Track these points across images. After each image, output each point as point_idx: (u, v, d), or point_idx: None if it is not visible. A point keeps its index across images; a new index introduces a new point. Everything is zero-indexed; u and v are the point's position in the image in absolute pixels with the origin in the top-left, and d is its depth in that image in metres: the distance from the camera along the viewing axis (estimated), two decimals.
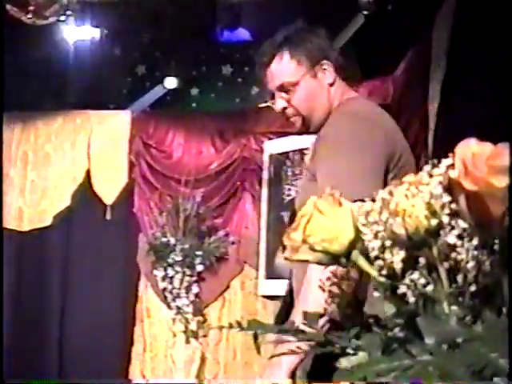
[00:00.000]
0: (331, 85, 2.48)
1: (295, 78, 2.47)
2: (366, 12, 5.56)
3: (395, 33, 5.16)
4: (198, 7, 5.87)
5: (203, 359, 5.74)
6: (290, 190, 5.59)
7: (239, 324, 1.32)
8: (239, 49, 6.32)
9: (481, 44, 4.01)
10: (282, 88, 2.49)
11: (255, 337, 1.25)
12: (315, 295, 1.83)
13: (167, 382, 5.72)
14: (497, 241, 0.94)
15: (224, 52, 6.38)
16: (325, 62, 2.49)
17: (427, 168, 1.05)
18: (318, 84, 2.47)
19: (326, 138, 2.33)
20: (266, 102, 6.19)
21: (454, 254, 1.02)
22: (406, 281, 1.02)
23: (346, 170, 2.15)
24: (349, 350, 1.13)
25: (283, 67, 2.49)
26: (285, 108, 2.52)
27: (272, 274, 5.49)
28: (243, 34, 6.17)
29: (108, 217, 5.91)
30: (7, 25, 4.99)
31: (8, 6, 4.77)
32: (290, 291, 2.42)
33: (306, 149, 5.45)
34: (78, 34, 5.84)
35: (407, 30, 5.11)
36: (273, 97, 2.56)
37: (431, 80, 4.86)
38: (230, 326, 1.33)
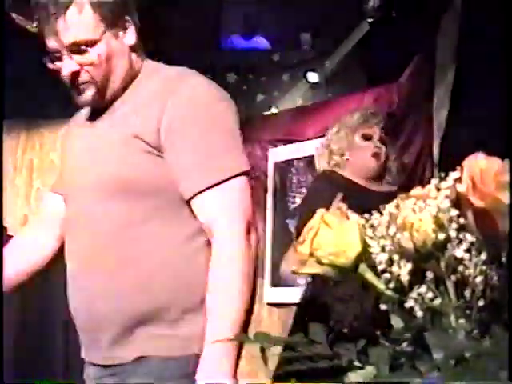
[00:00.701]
0: (133, 48, 2.14)
1: (94, 35, 2.01)
2: (370, 19, 5.57)
3: (400, 40, 5.16)
4: (202, 15, 5.88)
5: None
6: (295, 197, 5.58)
7: (246, 336, 1.32)
8: (244, 56, 6.33)
9: (488, 50, 4.01)
10: (75, 47, 2.02)
11: (262, 350, 1.25)
12: None
13: None
14: (504, 255, 0.94)
15: (228, 59, 6.39)
16: (128, 18, 2.11)
17: (434, 181, 1.05)
18: (118, 45, 2.08)
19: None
20: (270, 109, 6.22)
21: (461, 268, 1.02)
22: (414, 295, 1.02)
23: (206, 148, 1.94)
24: (356, 363, 1.13)
25: (81, 21, 2.00)
26: (75, 73, 2.08)
27: (277, 282, 5.48)
28: (247, 41, 6.19)
29: None
30: (12, 32, 4.99)
31: (14, 15, 4.78)
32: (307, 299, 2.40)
33: (311, 156, 5.45)
34: None
35: (412, 37, 5.11)
36: (56, 58, 2.12)
37: (436, 87, 4.86)
38: (237, 338, 1.34)
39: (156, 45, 6.14)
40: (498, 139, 3.31)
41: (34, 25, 5.30)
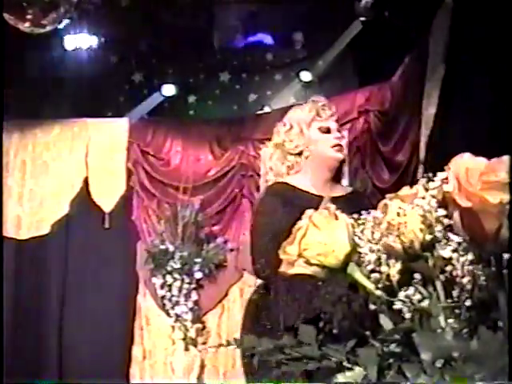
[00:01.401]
0: None
1: None
2: (363, 18, 5.57)
3: (392, 39, 5.17)
4: (196, 15, 5.87)
5: (202, 367, 5.73)
6: None
7: (236, 341, 1.32)
8: (237, 56, 6.33)
9: (479, 50, 4.01)
10: None
11: (252, 355, 1.25)
12: None
13: (166, 383, 5.71)
14: (492, 256, 0.94)
15: (221, 59, 6.38)
16: None
17: (422, 181, 1.05)
18: None
19: None
20: (263, 108, 6.21)
21: (449, 268, 1.02)
22: (402, 297, 1.02)
23: None
24: (345, 364, 1.12)
25: None
26: None
27: None
28: (241, 41, 6.18)
29: (106, 225, 5.90)
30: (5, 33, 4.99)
31: (6, 15, 4.77)
32: None
33: None
34: (75, 42, 5.84)
35: (404, 37, 5.12)
36: None
37: (426, 86, 4.87)
38: (228, 344, 1.33)
39: (150, 44, 6.15)
40: (488, 138, 3.31)
41: (27, 25, 5.28)
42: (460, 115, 4.05)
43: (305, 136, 2.79)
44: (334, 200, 2.57)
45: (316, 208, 2.48)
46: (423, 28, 4.88)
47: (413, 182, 1.12)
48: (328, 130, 2.80)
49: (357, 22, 5.65)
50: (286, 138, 2.84)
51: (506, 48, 3.50)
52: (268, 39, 6.23)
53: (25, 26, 5.09)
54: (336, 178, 2.85)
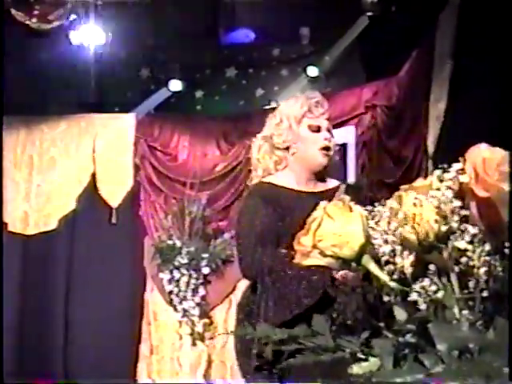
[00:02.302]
0: None
1: None
2: (370, 13, 5.56)
3: (399, 34, 5.15)
4: (202, 10, 5.87)
5: (210, 361, 5.74)
6: None
7: (249, 328, 1.32)
8: (243, 51, 6.32)
9: (486, 45, 4.00)
10: None
11: (266, 343, 1.25)
12: None
13: (173, 383, 5.72)
14: (508, 246, 0.94)
15: (228, 54, 6.38)
16: None
17: (437, 172, 1.05)
18: None
19: None
20: (270, 103, 6.21)
21: (464, 259, 1.02)
22: (417, 288, 1.02)
23: None
24: (359, 355, 1.13)
25: None
26: None
27: None
28: (247, 36, 6.17)
29: (113, 220, 5.91)
30: (12, 29, 4.99)
31: (13, 11, 4.78)
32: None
33: None
34: (82, 37, 5.83)
35: (411, 32, 5.10)
36: None
37: (434, 81, 4.86)
38: (242, 331, 1.33)
39: (157, 42, 6.15)
40: (495, 131, 3.30)
41: (34, 20, 5.29)
42: (469, 109, 4.04)
43: (293, 132, 2.71)
44: (321, 194, 2.55)
45: (300, 205, 2.46)
46: (430, 23, 4.87)
47: (418, 176, 1.12)
48: (318, 129, 2.72)
49: (363, 17, 5.64)
50: (275, 131, 2.75)
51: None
52: (275, 34, 6.21)
53: (32, 22, 5.11)
54: (322, 173, 2.77)
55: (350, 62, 5.97)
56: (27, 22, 5.13)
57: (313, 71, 6.12)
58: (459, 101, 4.35)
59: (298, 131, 2.68)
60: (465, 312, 1.03)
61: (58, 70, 6.05)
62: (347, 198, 1.12)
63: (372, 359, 1.03)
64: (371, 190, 5.09)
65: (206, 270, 5.69)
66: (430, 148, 4.94)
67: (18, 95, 5.53)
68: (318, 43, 6.21)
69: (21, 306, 5.82)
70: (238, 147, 5.96)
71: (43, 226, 5.95)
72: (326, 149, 2.66)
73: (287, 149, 2.71)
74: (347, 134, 5.60)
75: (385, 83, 5.67)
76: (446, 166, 1.05)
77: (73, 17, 5.42)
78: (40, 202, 6.00)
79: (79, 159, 6.03)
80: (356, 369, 1.04)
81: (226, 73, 6.40)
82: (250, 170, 6.03)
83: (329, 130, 2.73)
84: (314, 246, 1.08)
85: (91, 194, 5.96)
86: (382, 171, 5.49)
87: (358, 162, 5.65)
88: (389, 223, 1.02)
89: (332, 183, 2.77)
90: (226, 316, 5.78)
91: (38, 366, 5.68)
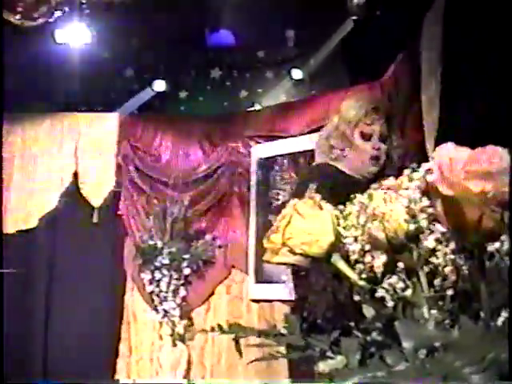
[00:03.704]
0: None
1: None
2: (354, 17, 5.58)
3: (384, 37, 5.17)
4: (187, 11, 5.86)
5: (189, 362, 5.73)
6: (278, 194, 5.59)
7: (221, 327, 1.32)
8: (228, 52, 6.33)
9: (473, 47, 4.01)
10: None
11: (236, 340, 1.25)
12: None
13: (154, 383, 5.71)
14: (474, 246, 0.94)
15: (213, 56, 6.38)
16: None
17: (407, 172, 1.06)
18: None
19: None
20: (254, 105, 6.21)
21: (433, 259, 1.03)
22: (385, 285, 1.02)
23: None
24: (329, 354, 1.13)
25: None
26: None
27: (261, 279, 5.48)
28: (232, 37, 6.17)
29: (95, 219, 5.89)
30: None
31: None
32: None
33: (294, 153, 5.45)
34: (66, 36, 5.82)
35: (396, 35, 5.12)
36: None
37: (424, 87, 4.86)
38: (212, 330, 1.33)
39: (142, 42, 6.15)
40: (491, 134, 3.30)
41: (17, 17, 5.26)
42: (463, 112, 4.04)
43: (348, 138, 2.81)
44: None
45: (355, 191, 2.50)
46: (415, 26, 4.89)
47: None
48: (370, 137, 2.79)
49: (348, 20, 5.66)
50: (332, 134, 2.86)
51: (503, 41, 3.50)
52: (260, 36, 6.22)
53: (16, 19, 5.08)
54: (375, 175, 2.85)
55: (335, 66, 5.99)
56: (11, 19, 5.10)
57: (297, 74, 6.14)
58: (453, 105, 4.35)
59: (352, 137, 2.78)
60: (433, 311, 1.04)
61: (42, 68, 6.03)
62: (318, 196, 1.12)
63: (338, 357, 1.03)
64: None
65: (187, 271, 5.68)
66: (430, 152, 4.92)
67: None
68: (303, 46, 6.23)
69: None
70: (220, 149, 5.96)
71: (23, 224, 5.92)
72: (376, 158, 2.75)
73: (342, 150, 2.80)
74: None
75: (369, 87, 5.68)
76: (415, 165, 1.06)
77: (57, 14, 5.39)
78: (21, 200, 5.97)
79: (61, 158, 6.01)
80: (322, 366, 1.04)
81: (211, 74, 6.41)
82: (233, 172, 6.03)
83: (382, 136, 2.79)
84: (284, 244, 1.08)
85: (73, 193, 5.94)
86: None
87: None
88: (358, 217, 1.02)
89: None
90: (204, 317, 5.78)
91: (17, 367, 5.64)
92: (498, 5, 3.46)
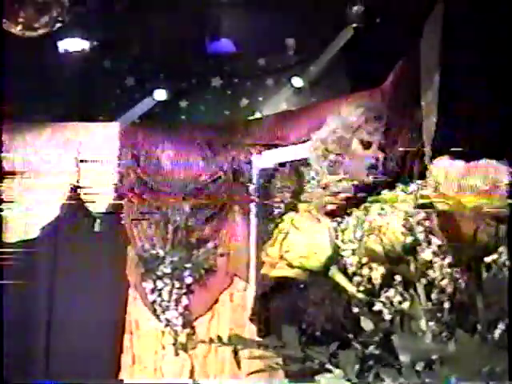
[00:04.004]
0: None
1: None
2: (354, 25, 5.59)
3: (384, 45, 5.17)
4: (188, 19, 5.88)
5: (192, 372, 5.72)
6: (279, 202, 5.59)
7: (220, 339, 1.32)
8: (228, 61, 6.33)
9: (474, 53, 4.00)
10: None
11: (235, 352, 1.25)
12: None
13: (159, 383, 5.71)
14: (471, 259, 0.94)
15: (213, 64, 6.38)
16: None
17: (404, 185, 1.06)
18: None
19: None
20: (254, 113, 6.22)
21: (431, 271, 1.03)
22: (382, 298, 1.03)
23: None
24: (327, 366, 1.13)
25: None
26: None
27: None
28: (232, 46, 6.18)
29: (96, 229, 5.89)
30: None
31: None
32: None
33: (295, 161, 5.45)
34: (67, 45, 5.83)
35: (396, 42, 5.12)
36: None
37: (423, 93, 4.86)
38: (211, 341, 1.34)
39: (142, 51, 6.16)
40: (487, 141, 3.30)
41: (19, 28, 5.28)
42: (461, 119, 4.04)
43: (346, 143, 2.69)
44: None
45: None
46: (415, 33, 4.89)
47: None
48: (369, 146, 2.68)
49: (348, 28, 5.66)
50: (328, 138, 2.72)
51: (502, 48, 3.49)
52: (260, 45, 6.23)
53: (17, 30, 5.09)
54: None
55: (335, 73, 5.99)
56: (12, 30, 5.11)
57: (298, 82, 6.14)
58: (450, 112, 4.34)
59: (350, 143, 2.65)
60: (431, 323, 1.04)
61: (43, 78, 6.04)
62: (314, 209, 1.12)
63: (337, 370, 1.04)
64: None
65: (188, 280, 5.68)
66: (427, 160, 4.90)
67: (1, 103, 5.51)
68: (303, 54, 6.23)
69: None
70: (221, 157, 5.96)
71: (24, 234, 5.92)
72: (373, 167, 2.63)
73: (339, 155, 2.68)
74: None
75: (369, 94, 5.68)
76: (412, 178, 1.06)
77: (58, 25, 5.40)
78: (22, 210, 5.97)
79: (62, 167, 6.01)
80: (322, 380, 1.04)
81: (211, 82, 6.41)
82: (234, 180, 6.03)
83: (380, 146, 2.66)
84: (281, 257, 1.08)
85: (74, 202, 5.94)
86: None
87: None
88: (354, 231, 1.03)
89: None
90: (208, 326, 5.77)
91: (19, 378, 5.64)
92: (498, 13, 3.47)
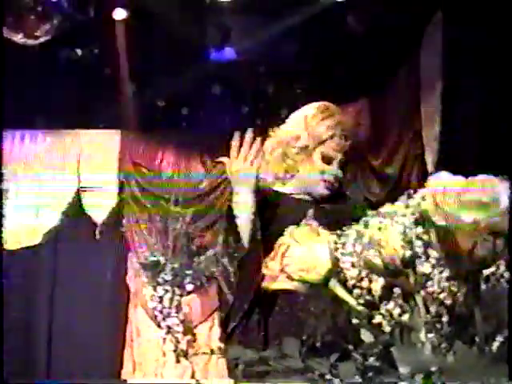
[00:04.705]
0: None
1: None
2: (355, 32, 5.60)
3: (384, 53, 5.19)
4: (188, 27, 5.89)
5: (193, 378, 5.73)
6: None
7: (220, 349, 1.33)
8: (229, 68, 6.34)
9: (475, 60, 4.02)
10: None
11: (236, 365, 1.26)
12: None
13: (162, 382, 5.72)
14: (468, 273, 0.95)
15: (214, 71, 6.39)
16: None
17: (403, 198, 1.07)
18: None
19: None
20: (254, 120, 6.22)
21: (430, 284, 1.04)
22: (382, 310, 1.04)
23: None
24: (328, 377, 1.14)
25: None
26: None
27: None
28: (233, 53, 6.20)
29: (98, 236, 5.90)
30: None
31: None
32: None
33: None
34: (68, 53, 5.85)
35: (396, 50, 5.14)
36: None
37: (423, 101, 4.88)
38: (212, 352, 1.34)
39: (143, 58, 6.17)
40: (489, 151, 3.31)
41: (20, 36, 5.30)
42: (464, 127, 4.05)
43: (307, 151, 2.60)
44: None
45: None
46: (415, 42, 4.91)
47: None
48: (330, 162, 2.60)
49: (349, 35, 5.67)
50: (292, 142, 2.64)
51: (502, 54, 3.51)
52: (259, 52, 6.24)
53: (18, 38, 5.12)
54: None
55: (335, 80, 6.00)
56: (13, 38, 5.14)
57: (298, 89, 6.15)
58: (453, 119, 4.35)
59: (312, 153, 2.57)
60: (430, 335, 1.05)
61: (44, 86, 6.06)
62: (315, 222, 1.14)
63: (336, 381, 1.05)
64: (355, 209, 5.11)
65: (189, 287, 5.68)
66: (430, 168, 4.90)
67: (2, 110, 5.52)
68: (304, 61, 6.24)
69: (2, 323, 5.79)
70: (222, 164, 5.96)
71: (26, 241, 5.94)
72: (329, 183, 2.56)
73: (296, 162, 2.60)
74: None
75: (369, 101, 5.70)
76: (412, 191, 1.07)
77: (59, 32, 5.42)
78: (23, 217, 5.98)
79: (63, 175, 6.03)
80: None
81: (212, 89, 6.42)
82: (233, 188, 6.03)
83: (341, 164, 2.58)
84: (282, 271, 1.10)
85: (75, 209, 5.95)
86: (367, 190, 5.51)
87: (344, 181, 5.66)
88: (354, 245, 1.04)
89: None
90: (209, 333, 5.78)
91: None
92: (498, 19, 3.48)
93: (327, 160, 2.60)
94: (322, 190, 2.60)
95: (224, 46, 6.20)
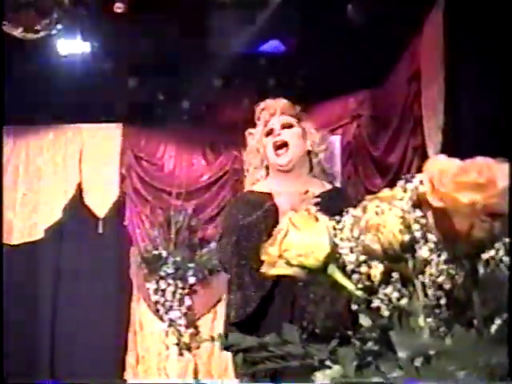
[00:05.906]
0: None
1: None
2: (355, 23, 5.59)
3: (385, 43, 5.18)
4: (189, 20, 5.89)
5: (196, 372, 5.74)
6: None
7: (221, 337, 1.34)
8: (230, 61, 6.34)
9: (477, 50, 4.01)
10: None
11: (235, 351, 1.27)
12: None
13: (162, 382, 5.73)
14: (466, 256, 0.95)
15: (215, 64, 6.39)
16: None
17: (401, 183, 1.07)
18: None
19: None
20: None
21: (428, 268, 1.04)
22: (380, 295, 1.04)
23: None
24: (327, 363, 1.14)
25: None
26: None
27: None
28: (234, 46, 6.19)
29: (100, 230, 5.91)
30: None
31: None
32: None
33: None
34: (69, 47, 5.84)
35: (397, 41, 5.13)
36: None
37: (424, 91, 4.86)
38: (212, 339, 1.35)
39: (144, 52, 6.16)
40: (491, 140, 3.30)
41: (20, 30, 5.30)
42: (468, 117, 4.04)
43: (262, 142, 2.84)
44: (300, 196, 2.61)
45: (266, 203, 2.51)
46: (416, 31, 4.90)
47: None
48: (271, 131, 2.82)
49: (349, 27, 5.66)
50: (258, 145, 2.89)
51: (504, 45, 3.50)
52: (262, 44, 6.24)
53: (18, 32, 5.11)
54: (306, 177, 2.82)
55: (336, 72, 5.99)
56: (13, 32, 5.13)
57: (299, 81, 6.15)
58: (457, 109, 4.34)
59: (263, 140, 2.81)
60: (429, 320, 1.05)
61: (45, 80, 6.05)
62: (313, 208, 1.14)
63: (335, 367, 1.05)
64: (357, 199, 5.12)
65: (192, 280, 5.70)
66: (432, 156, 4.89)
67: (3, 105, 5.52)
68: (304, 53, 6.24)
69: (5, 317, 5.80)
70: (224, 157, 5.98)
71: (29, 235, 5.95)
72: (279, 147, 2.74)
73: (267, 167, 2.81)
74: (333, 144, 5.64)
75: (370, 92, 5.70)
76: (409, 176, 1.07)
77: (59, 27, 5.41)
78: (25, 212, 5.99)
79: (65, 169, 6.04)
80: (320, 376, 1.06)
81: (213, 83, 6.42)
82: (236, 180, 6.06)
83: (283, 127, 2.78)
84: (280, 256, 1.10)
85: (77, 204, 5.97)
86: (368, 181, 5.52)
87: (343, 172, 5.67)
88: (351, 230, 1.04)
89: (324, 187, 2.78)
90: (211, 326, 5.79)
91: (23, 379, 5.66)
92: (500, 9, 3.47)
93: (269, 132, 2.85)
94: (275, 159, 2.80)
95: (225, 39, 6.19)
